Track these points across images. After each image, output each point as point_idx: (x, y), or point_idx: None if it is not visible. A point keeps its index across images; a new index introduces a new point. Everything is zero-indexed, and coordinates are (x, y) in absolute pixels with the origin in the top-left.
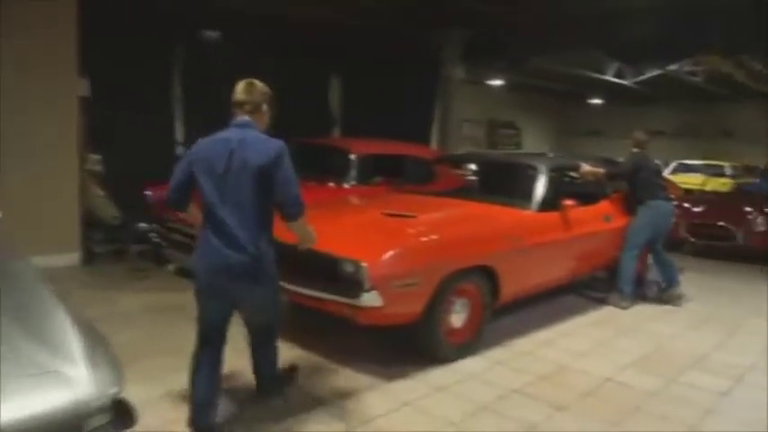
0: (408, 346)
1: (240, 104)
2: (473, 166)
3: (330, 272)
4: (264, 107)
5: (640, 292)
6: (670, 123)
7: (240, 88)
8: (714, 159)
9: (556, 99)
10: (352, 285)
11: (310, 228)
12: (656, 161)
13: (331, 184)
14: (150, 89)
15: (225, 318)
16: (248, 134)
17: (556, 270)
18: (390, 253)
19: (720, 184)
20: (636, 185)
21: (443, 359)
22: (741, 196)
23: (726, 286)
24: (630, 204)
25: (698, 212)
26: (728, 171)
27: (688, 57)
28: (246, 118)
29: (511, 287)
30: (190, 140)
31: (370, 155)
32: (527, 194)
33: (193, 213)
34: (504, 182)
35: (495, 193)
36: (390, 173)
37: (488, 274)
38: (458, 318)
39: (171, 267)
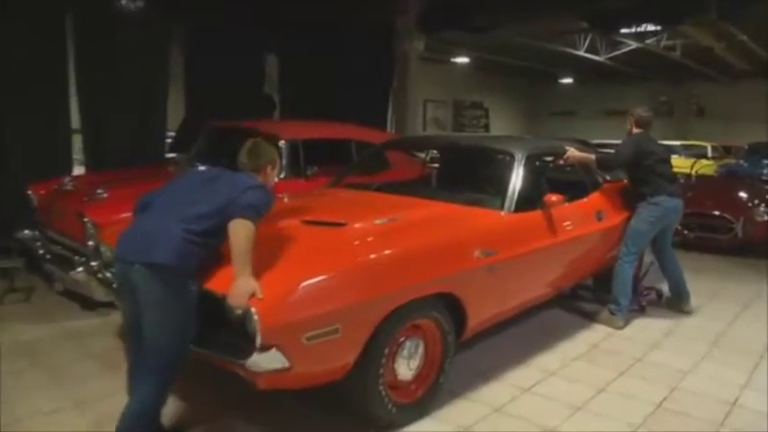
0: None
1: (242, 166)
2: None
3: (216, 313)
4: (269, 169)
5: (635, 303)
6: (643, 103)
7: (244, 150)
8: (687, 140)
9: (525, 78)
10: (243, 339)
11: (251, 242)
12: (663, 145)
13: None
14: (36, 67)
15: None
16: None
17: (538, 286)
18: (297, 288)
19: (706, 167)
20: (636, 176)
21: (386, 425)
22: (734, 181)
23: (729, 291)
24: (628, 198)
25: (689, 200)
26: (710, 152)
27: (676, 23)
28: (250, 174)
29: (480, 316)
30: (91, 129)
31: (303, 140)
32: (500, 190)
33: None
34: (470, 173)
35: (459, 189)
36: (332, 162)
37: (449, 302)
38: (407, 366)
39: (58, 286)
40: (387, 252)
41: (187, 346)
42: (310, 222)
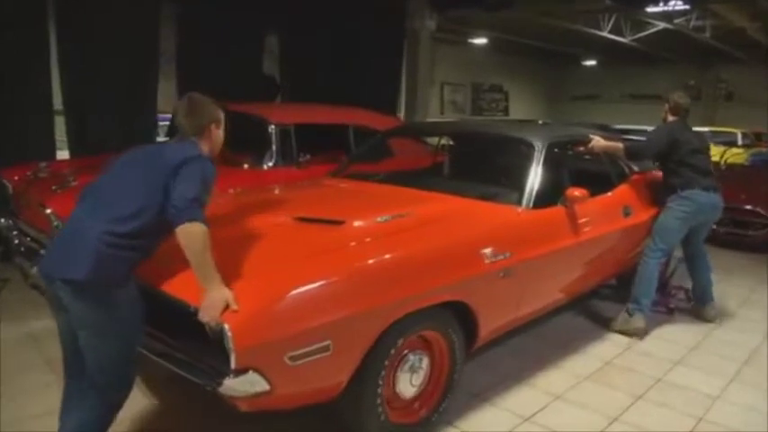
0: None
1: (181, 128)
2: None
3: (184, 327)
4: (213, 128)
5: (662, 305)
6: (669, 87)
7: (180, 108)
8: (715, 126)
9: (547, 61)
10: (219, 359)
11: (207, 248)
12: (701, 133)
13: (245, 166)
14: (15, 44)
15: None
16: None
17: (557, 290)
18: (278, 300)
19: (736, 156)
20: (668, 167)
21: None
22: (766, 171)
23: (764, 296)
24: (658, 190)
25: None
26: (740, 140)
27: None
28: (193, 139)
29: (492, 324)
30: (74, 111)
31: (295, 125)
32: (518, 183)
33: None
34: (484, 164)
35: (472, 181)
36: (328, 149)
37: (459, 311)
38: (409, 383)
39: (31, 280)
40: (389, 256)
41: (131, 360)
42: (304, 219)
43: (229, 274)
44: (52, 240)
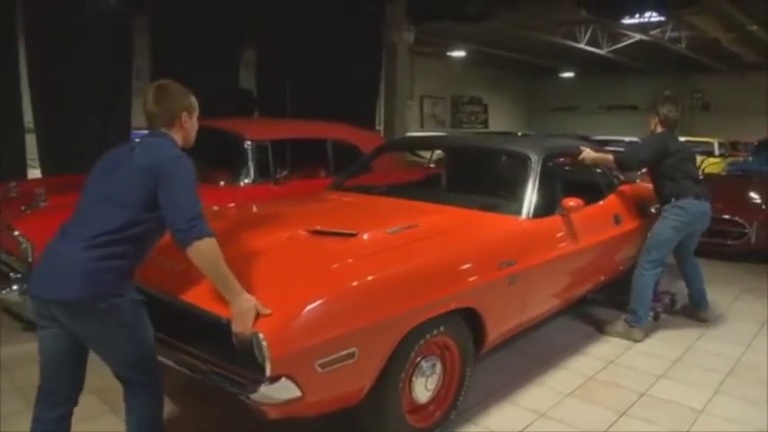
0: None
1: (151, 118)
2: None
3: (214, 338)
4: (185, 116)
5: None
6: (645, 97)
7: (149, 96)
8: (692, 135)
9: (525, 73)
10: (251, 368)
11: (221, 261)
12: (687, 144)
13: (222, 183)
14: None
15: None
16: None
17: (557, 295)
18: (309, 311)
19: (713, 165)
20: (660, 175)
21: None
22: (744, 181)
23: (745, 306)
24: (644, 200)
25: None
26: (717, 149)
27: (682, 9)
28: (163, 131)
29: (500, 329)
30: (45, 128)
31: (273, 141)
32: (517, 194)
33: None
34: (482, 176)
35: (471, 193)
36: (306, 164)
37: (468, 317)
38: (424, 388)
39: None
40: (405, 265)
41: (152, 351)
42: (318, 232)
43: (256, 286)
44: (38, 263)
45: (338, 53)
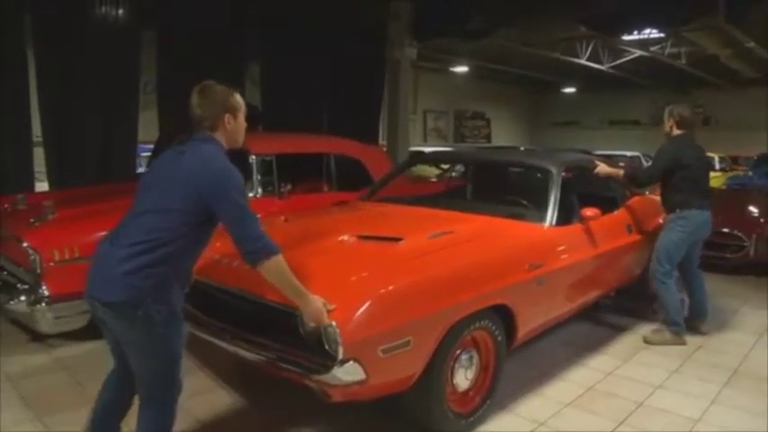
0: (397, 414)
1: (196, 121)
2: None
3: (283, 328)
4: (228, 119)
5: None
6: (647, 112)
7: (193, 99)
8: None
9: (527, 88)
10: (319, 354)
11: (289, 273)
12: (703, 151)
13: None
14: None
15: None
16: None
17: (578, 296)
18: (373, 302)
19: (714, 180)
20: (670, 183)
21: None
22: (743, 195)
23: (742, 317)
24: (653, 211)
25: None
26: (718, 164)
27: (681, 27)
28: (207, 134)
29: (529, 325)
30: (54, 141)
31: (277, 155)
32: (540, 204)
33: None
34: (505, 188)
35: (497, 203)
36: (309, 178)
37: (502, 314)
38: (464, 376)
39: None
40: (448, 266)
41: (171, 380)
42: (365, 237)
43: (320, 284)
44: (90, 265)
45: (342, 69)
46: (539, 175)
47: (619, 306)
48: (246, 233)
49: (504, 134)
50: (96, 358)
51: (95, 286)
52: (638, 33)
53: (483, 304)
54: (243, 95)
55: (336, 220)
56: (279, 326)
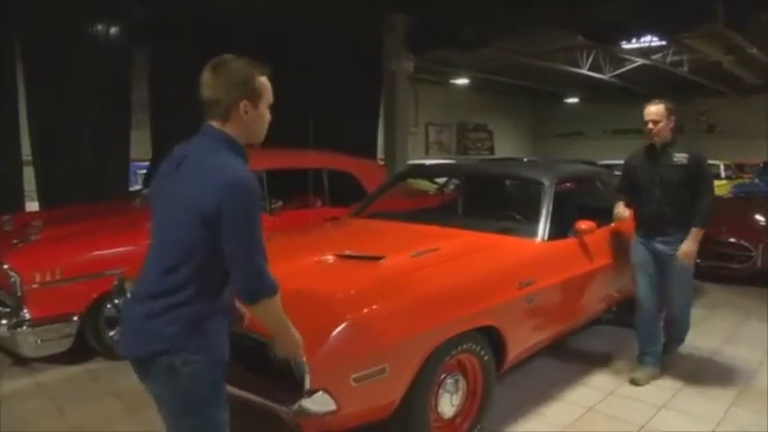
0: None
1: (206, 105)
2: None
3: (255, 357)
4: (245, 107)
5: None
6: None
7: (203, 78)
8: None
9: (529, 99)
10: (288, 383)
11: (281, 312)
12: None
13: None
14: None
15: None
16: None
17: (573, 314)
18: (344, 328)
19: (719, 188)
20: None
21: None
22: (750, 203)
23: (750, 332)
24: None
25: None
26: (723, 172)
27: (680, 33)
28: (215, 126)
29: (520, 347)
30: (44, 160)
31: (266, 171)
32: (532, 217)
33: None
34: (497, 201)
35: (488, 217)
36: (301, 194)
37: (490, 335)
38: (449, 403)
39: None
40: (430, 286)
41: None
42: (346, 256)
43: (291, 306)
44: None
45: (338, 82)
46: (531, 187)
47: (621, 319)
48: (248, 265)
49: (508, 146)
50: (78, 383)
51: (121, 343)
52: (637, 41)
53: (468, 326)
54: None
55: (320, 239)
56: (249, 353)
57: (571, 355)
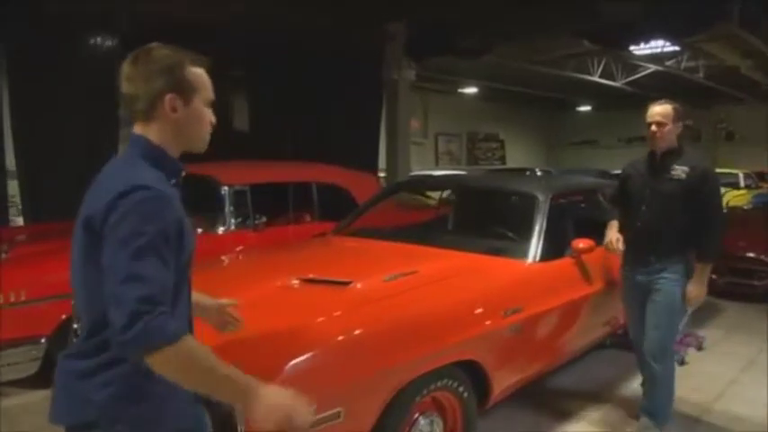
0: None
1: (126, 104)
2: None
3: None
4: (171, 102)
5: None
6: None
7: (122, 70)
8: (717, 166)
9: (541, 108)
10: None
11: (205, 364)
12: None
13: (200, 231)
14: None
15: None
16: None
17: (569, 342)
18: (291, 368)
19: (738, 198)
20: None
21: None
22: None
23: None
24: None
25: None
26: (743, 181)
27: (692, 36)
28: (136, 132)
29: (505, 383)
30: (29, 173)
31: (252, 185)
32: (523, 236)
33: None
34: (489, 217)
35: (477, 235)
36: (293, 209)
37: (470, 369)
38: None
39: None
40: (397, 317)
41: None
42: (310, 281)
43: (235, 345)
44: None
45: (338, 93)
46: (524, 202)
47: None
48: (119, 296)
49: (520, 156)
50: (43, 409)
51: (51, 404)
52: (646, 44)
53: (443, 361)
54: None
55: (289, 259)
56: None
57: (571, 384)
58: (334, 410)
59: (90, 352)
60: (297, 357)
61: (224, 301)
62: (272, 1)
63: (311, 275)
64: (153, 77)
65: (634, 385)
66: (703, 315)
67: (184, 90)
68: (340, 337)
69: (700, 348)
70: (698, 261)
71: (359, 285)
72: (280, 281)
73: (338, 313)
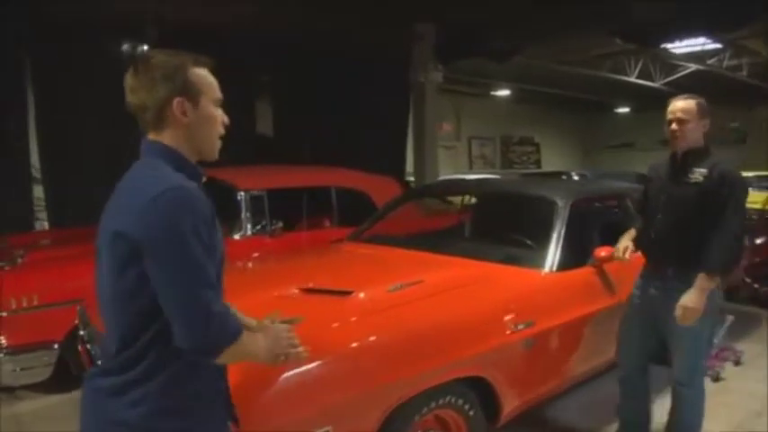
0: None
1: (136, 117)
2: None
3: None
4: (179, 106)
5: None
6: (709, 131)
7: (126, 82)
8: (760, 170)
9: (576, 110)
10: None
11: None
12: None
13: None
14: None
15: None
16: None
17: (586, 359)
18: (275, 385)
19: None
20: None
21: None
22: None
23: None
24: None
25: (759, 246)
26: None
27: (730, 32)
28: (150, 139)
29: (516, 401)
30: (52, 174)
31: (269, 190)
32: (540, 244)
33: None
34: (506, 224)
35: (494, 243)
36: (309, 215)
37: (478, 386)
38: None
39: None
40: (397, 329)
41: None
42: (311, 291)
43: None
44: None
45: (364, 96)
46: (543, 208)
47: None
48: (184, 306)
49: (556, 159)
50: (54, 415)
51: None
52: (681, 42)
53: (446, 377)
54: (253, 125)
55: (294, 267)
56: None
57: (588, 400)
58: (323, 429)
59: (119, 368)
60: (287, 372)
61: None
62: (299, 3)
63: (311, 285)
64: (156, 85)
65: (653, 407)
66: (742, 328)
67: (190, 92)
68: (331, 352)
69: (737, 363)
70: (700, 269)
71: (360, 295)
72: (278, 290)
73: (334, 326)
